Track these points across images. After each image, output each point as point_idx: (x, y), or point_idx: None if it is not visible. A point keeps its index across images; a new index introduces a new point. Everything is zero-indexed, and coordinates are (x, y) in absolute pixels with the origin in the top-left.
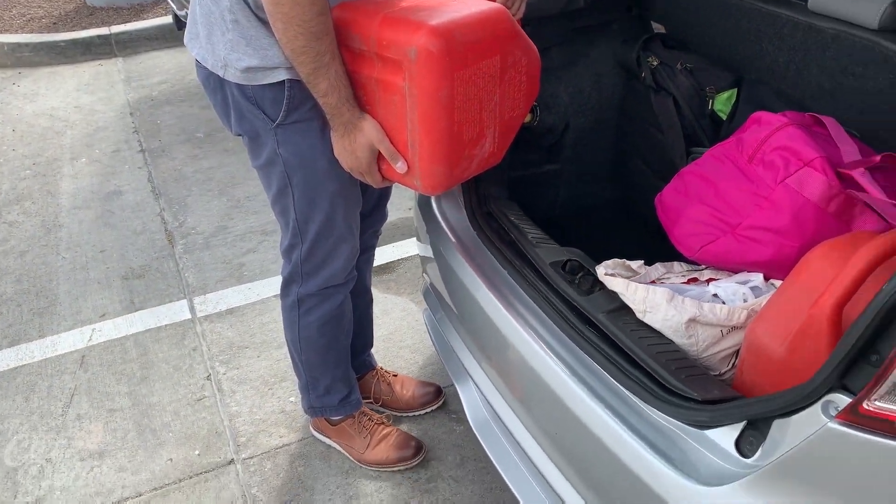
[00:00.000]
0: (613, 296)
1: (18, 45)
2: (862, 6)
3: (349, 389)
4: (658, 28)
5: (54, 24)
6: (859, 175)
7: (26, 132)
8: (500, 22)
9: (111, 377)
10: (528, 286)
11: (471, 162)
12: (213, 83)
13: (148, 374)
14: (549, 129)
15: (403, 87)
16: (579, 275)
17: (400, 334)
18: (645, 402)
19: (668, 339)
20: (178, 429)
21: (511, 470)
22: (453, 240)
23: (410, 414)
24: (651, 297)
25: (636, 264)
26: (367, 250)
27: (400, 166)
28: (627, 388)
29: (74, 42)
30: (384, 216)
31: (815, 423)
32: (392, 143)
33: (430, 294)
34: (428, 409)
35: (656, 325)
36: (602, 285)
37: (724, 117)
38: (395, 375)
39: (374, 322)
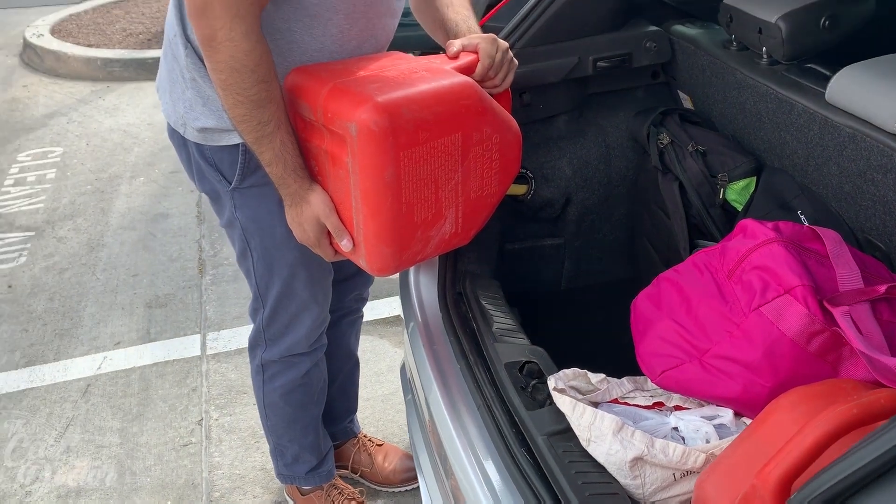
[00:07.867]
0: (562, 415)
1: (110, 59)
2: (879, 104)
3: (319, 460)
4: (686, 100)
5: (149, 40)
6: (840, 315)
7: (98, 147)
8: (462, 98)
9: (108, 411)
10: (476, 389)
11: (426, 244)
12: (178, 139)
13: (143, 412)
14: (547, 203)
15: (347, 162)
16: (534, 382)
17: (400, 395)
18: None
19: (610, 477)
20: (158, 475)
21: None
22: (419, 319)
23: (389, 490)
24: (598, 424)
25: (597, 378)
26: (350, 314)
27: (345, 244)
28: None
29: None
30: (368, 279)
31: None
32: (340, 218)
33: (404, 372)
34: (408, 487)
35: (600, 458)
36: None
37: (740, 208)
38: (380, 444)
39: (372, 380)
